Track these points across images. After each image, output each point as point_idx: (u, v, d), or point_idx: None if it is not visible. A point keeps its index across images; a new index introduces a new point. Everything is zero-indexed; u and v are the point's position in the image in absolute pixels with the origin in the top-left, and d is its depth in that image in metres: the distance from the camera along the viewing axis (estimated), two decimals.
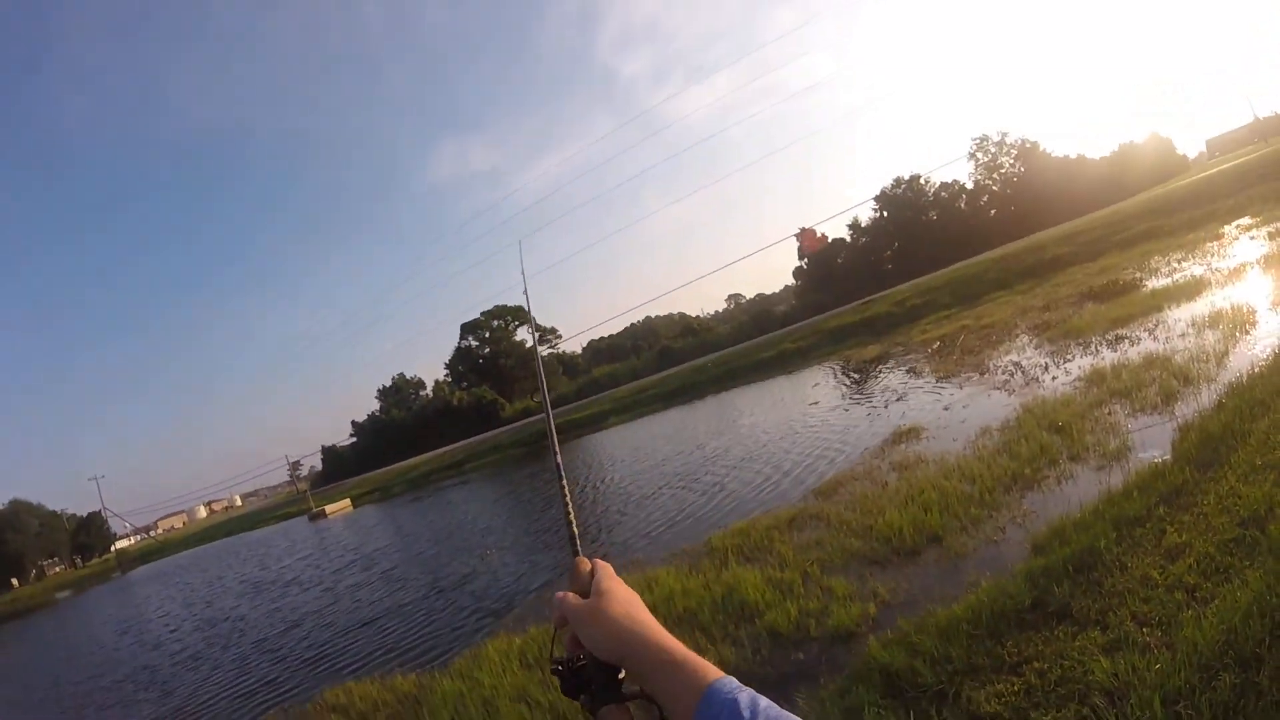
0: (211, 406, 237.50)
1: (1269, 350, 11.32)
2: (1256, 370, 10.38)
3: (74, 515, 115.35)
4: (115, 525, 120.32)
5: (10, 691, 23.09)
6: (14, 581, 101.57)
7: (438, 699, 8.84)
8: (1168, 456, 8.52)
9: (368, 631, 15.11)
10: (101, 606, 44.84)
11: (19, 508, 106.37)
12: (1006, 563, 7.32)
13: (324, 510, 58.39)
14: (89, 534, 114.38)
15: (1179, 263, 25.69)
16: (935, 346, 28.11)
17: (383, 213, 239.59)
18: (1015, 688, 5.01)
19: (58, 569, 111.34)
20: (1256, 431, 7.93)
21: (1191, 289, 19.31)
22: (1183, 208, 39.82)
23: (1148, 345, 15.25)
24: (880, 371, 28.07)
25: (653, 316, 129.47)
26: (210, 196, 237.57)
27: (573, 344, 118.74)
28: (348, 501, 62.23)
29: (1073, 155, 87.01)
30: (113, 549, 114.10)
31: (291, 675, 13.59)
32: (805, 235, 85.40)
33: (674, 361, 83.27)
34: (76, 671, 21.93)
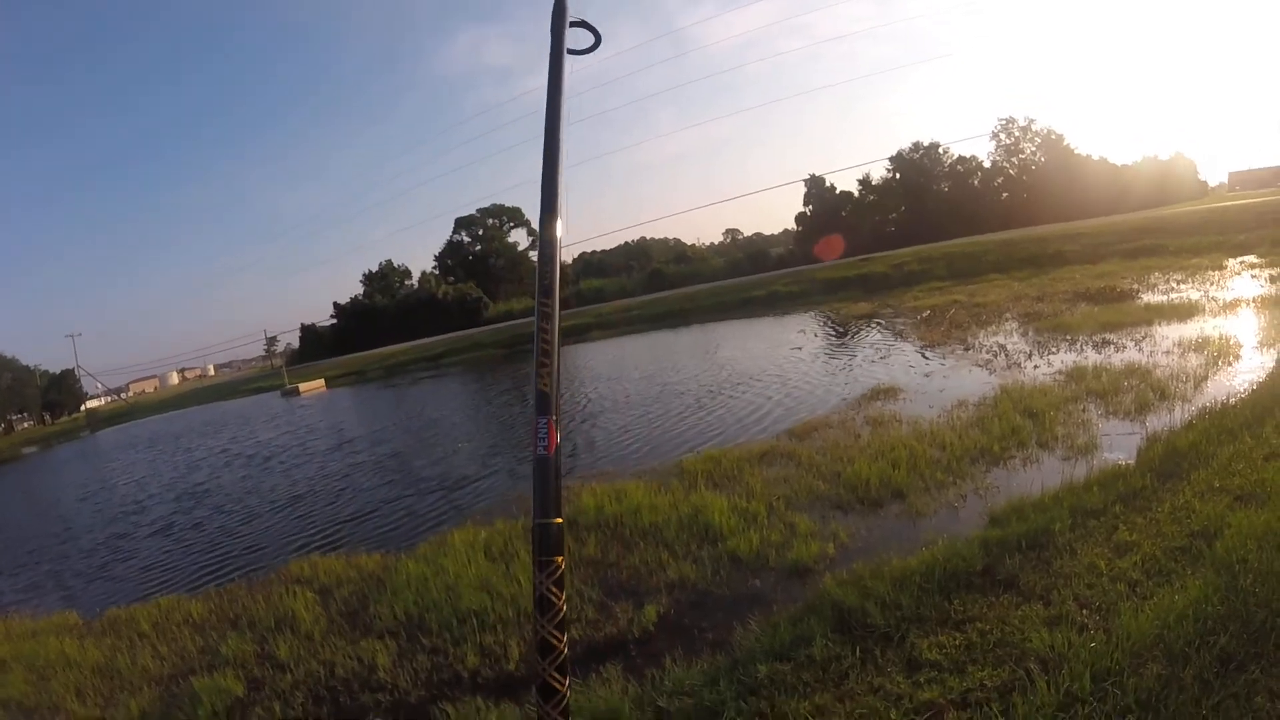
0: (192, 273, 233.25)
1: (1247, 384, 11.66)
2: (1231, 401, 10.68)
3: (47, 372, 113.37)
4: (88, 385, 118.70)
5: None
6: None
7: (401, 580, 9.17)
8: (1132, 461, 8.88)
9: (334, 510, 15.36)
10: (69, 465, 44.28)
11: None
12: (963, 528, 7.72)
13: (298, 388, 58.34)
14: (60, 391, 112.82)
15: (1177, 283, 25.96)
16: (925, 315, 28.45)
17: (388, 93, 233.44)
18: (957, 641, 5.37)
19: (26, 424, 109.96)
20: (1221, 456, 8.25)
21: (1184, 310, 19.61)
22: (1192, 232, 39.91)
23: (1132, 354, 15.59)
24: (867, 329, 28.44)
25: (648, 238, 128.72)
26: (207, 45, 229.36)
27: (563, 253, 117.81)
28: (322, 381, 62.18)
29: (1095, 156, 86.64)
30: (83, 408, 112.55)
31: (257, 549, 13.69)
32: (829, 243, 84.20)
33: (664, 286, 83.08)
34: (40, 531, 21.34)
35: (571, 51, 2.88)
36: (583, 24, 2.91)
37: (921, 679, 5.01)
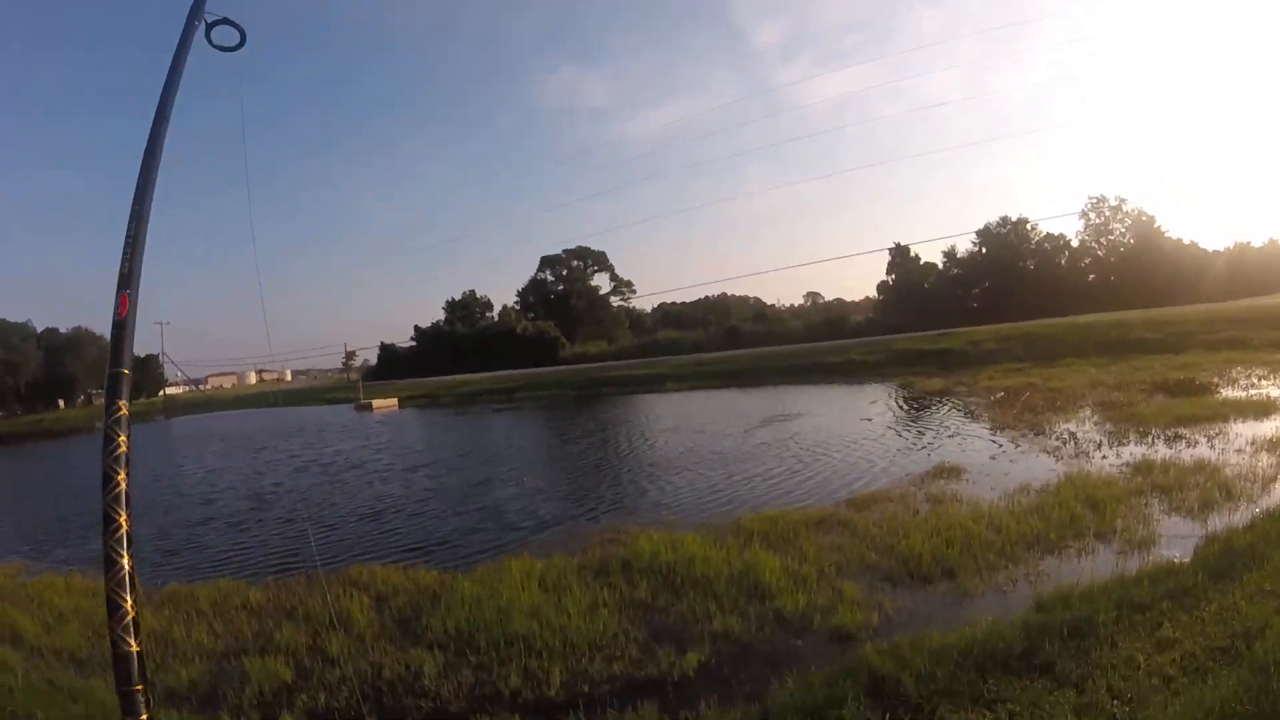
0: (284, 280, 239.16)
1: None
2: None
3: (134, 354, 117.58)
4: (170, 372, 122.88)
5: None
6: (61, 403, 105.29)
7: (455, 597, 9.60)
8: (1187, 559, 8.91)
9: (401, 524, 16.07)
10: (139, 443, 45.93)
11: (82, 335, 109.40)
12: (1009, 612, 7.83)
13: (370, 403, 59.74)
14: (143, 374, 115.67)
15: (1259, 379, 25.60)
16: (998, 396, 28.32)
17: (483, 111, 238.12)
18: (986, 718, 5.55)
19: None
20: (1276, 559, 8.26)
21: (1262, 408, 19.39)
22: (1279, 324, 39.06)
23: (1203, 450, 15.47)
24: (939, 406, 28.39)
25: (728, 295, 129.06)
26: (332, 63, 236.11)
27: (643, 301, 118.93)
28: (395, 400, 63.61)
29: (1186, 240, 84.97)
30: (162, 393, 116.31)
31: (321, 549, 14.16)
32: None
33: (740, 343, 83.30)
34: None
35: (219, 47, 3.12)
36: (226, 21, 3.12)
37: None
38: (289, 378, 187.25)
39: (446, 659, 7.93)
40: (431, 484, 20.43)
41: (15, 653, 9.07)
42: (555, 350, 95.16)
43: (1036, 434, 19.44)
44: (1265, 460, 14.03)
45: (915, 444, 20.24)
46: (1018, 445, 18.40)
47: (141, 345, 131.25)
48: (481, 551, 13.07)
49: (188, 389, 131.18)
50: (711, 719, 6.11)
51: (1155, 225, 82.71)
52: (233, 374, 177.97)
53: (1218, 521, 10.61)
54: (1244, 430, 17.15)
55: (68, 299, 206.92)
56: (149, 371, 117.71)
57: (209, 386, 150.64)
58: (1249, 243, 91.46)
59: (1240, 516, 10.70)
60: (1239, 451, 15.11)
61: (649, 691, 6.94)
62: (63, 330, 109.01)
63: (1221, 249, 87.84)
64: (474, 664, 7.75)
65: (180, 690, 7.69)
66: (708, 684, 7.01)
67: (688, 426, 29.36)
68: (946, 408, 27.52)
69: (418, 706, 7.06)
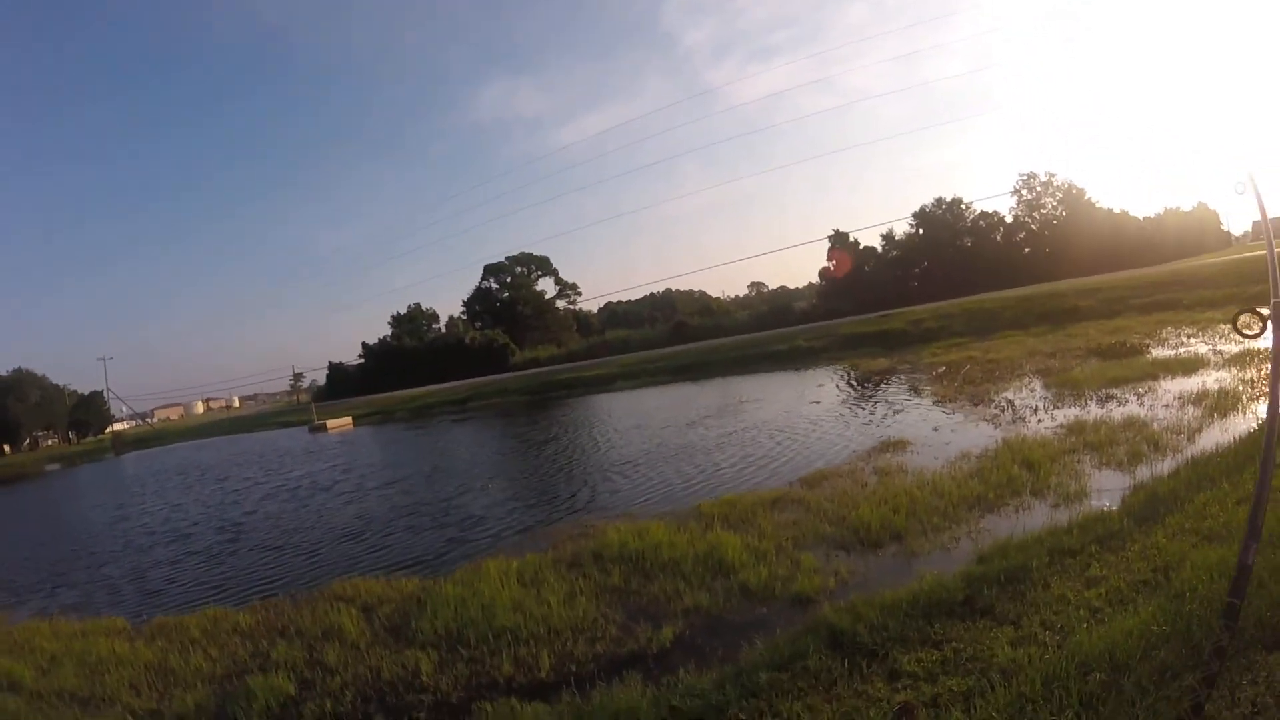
0: (223, 305, 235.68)
1: (1238, 435, 12.31)
2: (1218, 450, 11.40)
3: (75, 391, 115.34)
4: (115, 408, 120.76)
5: None
6: (6, 448, 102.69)
7: (440, 600, 10.00)
8: (1115, 507, 9.64)
9: (372, 537, 16.36)
10: (93, 483, 46.09)
11: (23, 377, 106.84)
12: (953, 565, 8.52)
13: (325, 424, 59.35)
14: (88, 412, 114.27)
15: (1187, 337, 26.77)
16: (940, 371, 29.18)
17: (420, 139, 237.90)
18: (933, 657, 6.24)
19: (51, 442, 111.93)
20: (1196, 501, 9.03)
21: (1189, 365, 20.37)
22: (1207, 284, 40.43)
23: (1133, 408, 16.37)
24: (884, 384, 29.19)
25: (673, 290, 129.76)
26: (247, 90, 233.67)
27: (590, 303, 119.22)
28: (349, 419, 63.18)
29: (1117, 210, 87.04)
30: (109, 430, 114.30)
31: (296, 569, 14.67)
32: (839, 257, 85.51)
33: (688, 338, 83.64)
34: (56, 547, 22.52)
35: None
36: None
37: (899, 686, 5.89)
38: (238, 404, 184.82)
39: (440, 656, 8.38)
40: (407, 499, 20.47)
41: (16, 698, 9.27)
42: (505, 357, 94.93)
43: (976, 404, 20.26)
44: (1191, 413, 14.97)
45: (862, 421, 20.91)
46: (959, 416, 19.21)
47: (85, 382, 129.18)
48: (467, 557, 13.25)
49: (134, 424, 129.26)
50: (691, 681, 6.64)
51: (1086, 197, 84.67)
52: (179, 405, 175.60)
53: (1145, 472, 11.45)
54: (1172, 387, 18.14)
55: (6, 340, 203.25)
56: (95, 409, 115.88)
57: (156, 420, 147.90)
58: (1178, 208, 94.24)
59: (1166, 466, 11.52)
60: (1166, 407, 16.04)
61: (632, 665, 7.50)
62: (3, 373, 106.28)
63: (1152, 215, 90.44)
64: (467, 658, 8.20)
65: (189, 715, 8.00)
66: (684, 653, 7.59)
67: (639, 423, 29.73)
68: (891, 386, 28.27)
69: (419, 701, 7.50)
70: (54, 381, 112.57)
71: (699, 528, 11.65)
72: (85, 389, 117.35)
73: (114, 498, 35.56)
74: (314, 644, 9.37)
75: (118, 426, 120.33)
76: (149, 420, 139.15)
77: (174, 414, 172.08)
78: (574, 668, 7.67)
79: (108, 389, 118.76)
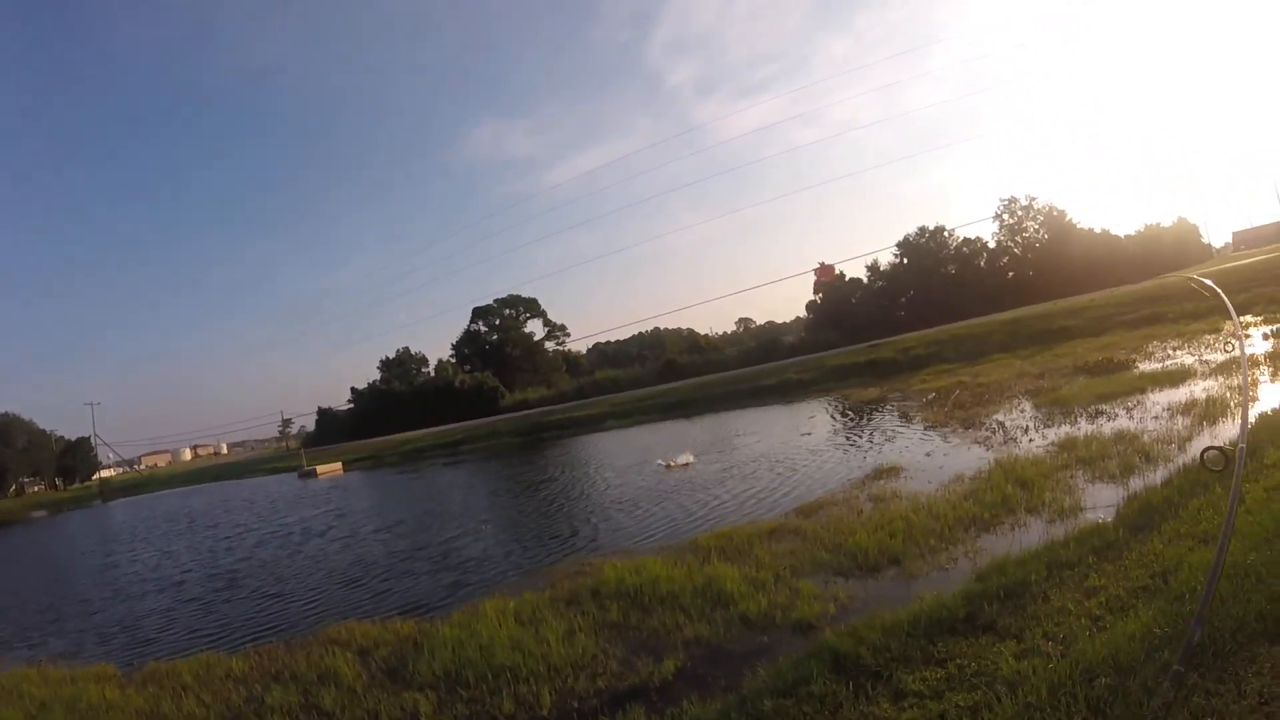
0: (211, 352, 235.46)
1: (1228, 439, 12.34)
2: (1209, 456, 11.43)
3: (62, 438, 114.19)
4: (102, 454, 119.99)
5: None
6: None
7: (437, 641, 9.90)
8: (1110, 519, 9.66)
9: (369, 582, 16.15)
10: (82, 531, 45.77)
11: (9, 421, 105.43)
12: (952, 585, 8.50)
13: (315, 469, 58.95)
14: (75, 458, 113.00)
15: (1174, 349, 26.90)
16: (930, 397, 29.21)
17: (409, 183, 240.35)
18: (938, 675, 6.20)
19: (37, 488, 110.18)
20: (1190, 507, 9.07)
21: (1177, 376, 20.55)
22: (1191, 296, 40.62)
23: (1122, 422, 16.48)
24: (875, 413, 29.20)
25: (662, 328, 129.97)
26: (236, 136, 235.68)
27: (579, 343, 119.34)
28: (339, 464, 62.76)
29: (1098, 229, 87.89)
30: (96, 476, 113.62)
31: (290, 615, 14.55)
32: (823, 269, 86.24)
33: (677, 375, 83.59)
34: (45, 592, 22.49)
35: None
36: None
37: (905, 705, 5.86)
38: (226, 450, 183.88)
39: (440, 696, 8.27)
40: (403, 543, 20.24)
41: None
42: (495, 400, 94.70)
43: (968, 427, 20.32)
44: (1180, 423, 15.08)
45: (855, 450, 20.94)
46: (951, 440, 19.25)
47: (73, 428, 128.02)
48: (464, 600, 13.04)
49: (122, 470, 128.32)
50: (695, 712, 6.61)
51: (1067, 218, 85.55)
52: (166, 452, 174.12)
53: (1138, 482, 11.47)
54: (1160, 399, 18.25)
55: None
56: (82, 454, 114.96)
57: (144, 466, 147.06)
58: (1158, 224, 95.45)
59: (1158, 475, 11.57)
60: (1156, 418, 16.16)
61: (634, 698, 7.41)
62: None
63: (1133, 232, 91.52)
64: (466, 698, 8.10)
65: None
66: (687, 684, 7.52)
67: (630, 463, 29.36)
68: (882, 414, 28.29)
69: None
70: (41, 426, 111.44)
71: (696, 561, 11.60)
72: (72, 434, 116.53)
73: (102, 543, 35.42)
74: (309, 688, 9.24)
75: (105, 473, 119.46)
76: (136, 466, 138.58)
77: (162, 460, 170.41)
78: (576, 704, 7.57)
79: (95, 435, 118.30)
